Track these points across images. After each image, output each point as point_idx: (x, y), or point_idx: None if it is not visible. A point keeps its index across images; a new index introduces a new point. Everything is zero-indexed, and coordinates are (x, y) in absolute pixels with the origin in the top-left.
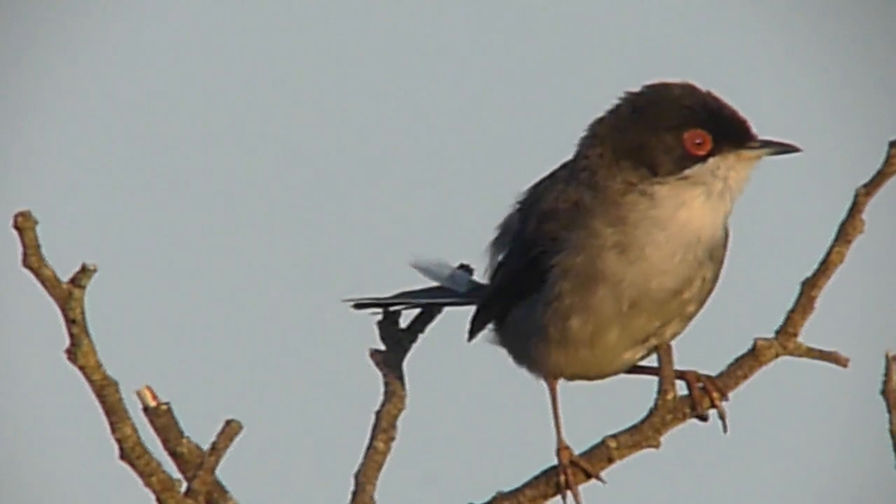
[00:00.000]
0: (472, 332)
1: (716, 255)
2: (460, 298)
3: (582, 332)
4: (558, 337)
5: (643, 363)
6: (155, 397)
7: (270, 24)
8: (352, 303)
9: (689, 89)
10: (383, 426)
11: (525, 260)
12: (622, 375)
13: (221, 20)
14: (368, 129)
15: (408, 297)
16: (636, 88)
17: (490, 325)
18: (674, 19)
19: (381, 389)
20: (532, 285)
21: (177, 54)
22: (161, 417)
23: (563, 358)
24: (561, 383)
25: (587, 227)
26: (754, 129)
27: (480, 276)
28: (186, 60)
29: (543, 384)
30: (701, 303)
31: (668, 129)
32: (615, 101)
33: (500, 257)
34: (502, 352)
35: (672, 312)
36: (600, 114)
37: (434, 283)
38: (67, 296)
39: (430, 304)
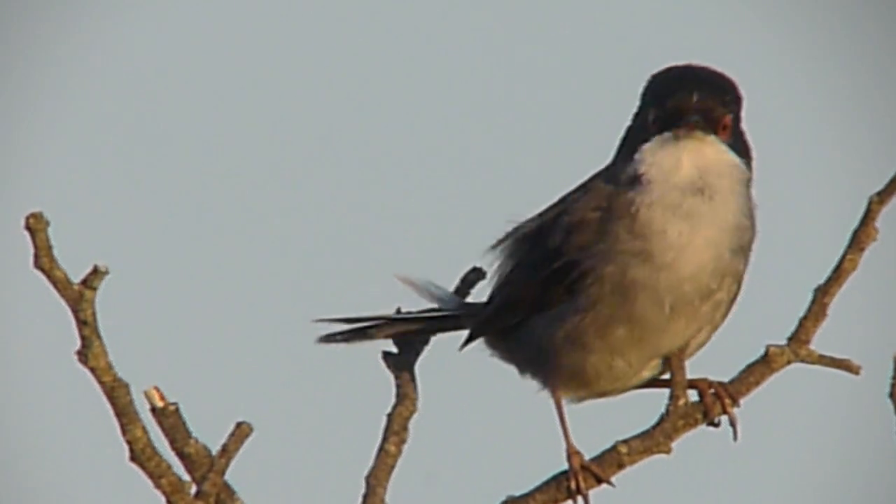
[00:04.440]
0: (468, 342)
1: (742, 254)
2: (451, 315)
3: (627, 340)
4: (600, 344)
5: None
6: (163, 398)
7: (275, 26)
8: (325, 334)
9: (667, 69)
10: (395, 429)
11: (548, 271)
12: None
13: (225, 21)
14: (373, 132)
15: (392, 325)
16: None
17: (489, 338)
18: (683, 20)
19: (393, 392)
20: (558, 296)
21: (185, 56)
22: (169, 418)
23: (598, 366)
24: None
25: (612, 235)
26: (695, 118)
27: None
28: (194, 63)
29: (549, 397)
30: (730, 307)
31: (645, 107)
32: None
33: (509, 270)
34: (503, 362)
35: (706, 317)
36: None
37: (425, 302)
38: (79, 297)
39: (409, 331)
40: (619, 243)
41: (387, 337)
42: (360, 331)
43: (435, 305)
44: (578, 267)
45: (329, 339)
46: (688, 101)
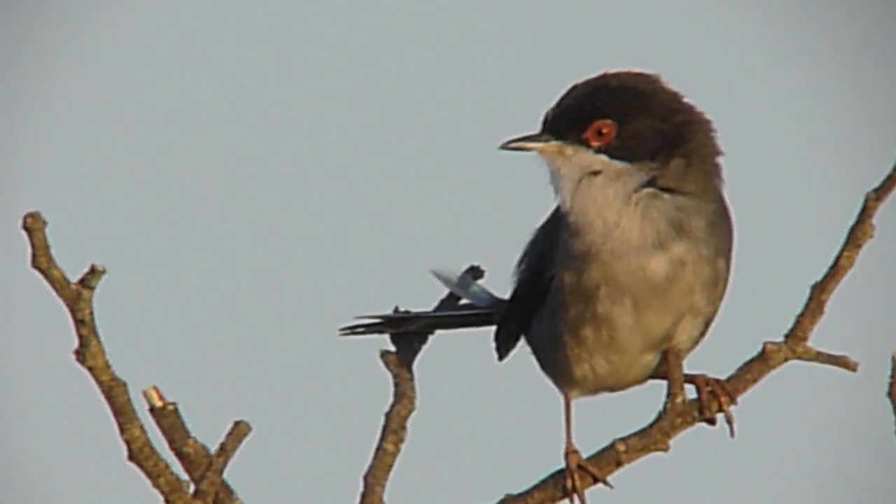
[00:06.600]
0: (500, 350)
1: (691, 229)
2: (481, 312)
3: (597, 341)
4: (575, 346)
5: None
6: (161, 397)
7: (280, 27)
8: (352, 326)
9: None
10: (393, 427)
11: (533, 272)
12: None
13: (228, 22)
14: (384, 133)
15: (422, 319)
16: None
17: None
18: (678, 18)
19: (391, 390)
20: (542, 298)
21: (186, 56)
22: (167, 418)
23: (582, 367)
24: (579, 399)
25: (562, 241)
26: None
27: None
28: (195, 64)
29: (560, 395)
30: (710, 293)
31: None
32: None
33: (520, 271)
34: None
35: (680, 306)
36: None
37: (453, 296)
38: (76, 297)
39: (438, 325)
40: (569, 248)
41: (416, 331)
42: (387, 325)
43: (468, 301)
44: (548, 273)
45: (352, 330)
46: (547, 115)
